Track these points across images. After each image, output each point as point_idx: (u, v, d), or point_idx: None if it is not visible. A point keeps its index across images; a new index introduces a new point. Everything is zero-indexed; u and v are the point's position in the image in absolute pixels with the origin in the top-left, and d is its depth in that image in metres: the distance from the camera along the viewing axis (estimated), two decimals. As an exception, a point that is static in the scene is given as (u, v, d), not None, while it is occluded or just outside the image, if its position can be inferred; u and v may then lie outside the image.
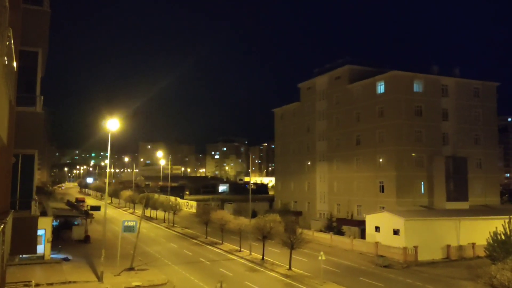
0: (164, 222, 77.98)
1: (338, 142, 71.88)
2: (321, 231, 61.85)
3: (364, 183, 64.89)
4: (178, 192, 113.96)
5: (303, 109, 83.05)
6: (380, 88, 63.70)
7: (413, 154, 60.13)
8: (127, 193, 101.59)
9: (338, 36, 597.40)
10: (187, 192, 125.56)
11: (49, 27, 16.74)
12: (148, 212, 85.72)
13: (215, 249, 53.96)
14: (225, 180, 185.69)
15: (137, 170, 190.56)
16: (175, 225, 74.32)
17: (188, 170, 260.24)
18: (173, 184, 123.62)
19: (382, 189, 61.54)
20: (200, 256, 49.06)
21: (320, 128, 77.34)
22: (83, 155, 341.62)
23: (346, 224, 61.37)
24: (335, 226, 61.61)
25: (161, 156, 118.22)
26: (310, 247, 47.24)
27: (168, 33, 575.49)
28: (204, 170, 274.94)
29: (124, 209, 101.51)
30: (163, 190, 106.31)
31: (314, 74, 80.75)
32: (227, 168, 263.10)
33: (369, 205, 61.94)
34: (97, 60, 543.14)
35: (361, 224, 56.70)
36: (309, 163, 79.94)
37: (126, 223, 41.42)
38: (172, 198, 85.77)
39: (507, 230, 37.65)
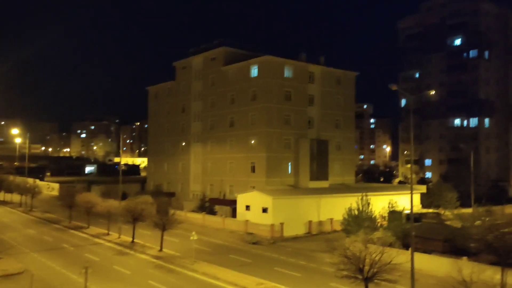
0: (21, 206, 70.98)
1: (213, 124, 72.47)
2: (194, 211, 62.22)
3: (237, 163, 66.71)
4: (37, 173, 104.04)
5: (178, 89, 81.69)
6: (254, 71, 65.55)
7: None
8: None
9: (214, 17, 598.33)
10: (48, 174, 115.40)
11: None
12: (1, 196, 77.19)
13: (80, 233, 50.85)
14: (92, 160, 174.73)
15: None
16: (33, 209, 68.13)
17: (50, 149, 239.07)
18: (32, 165, 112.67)
19: (253, 170, 63.94)
20: (63, 241, 45.80)
21: (195, 108, 77.00)
22: None
23: (218, 203, 62.64)
24: (208, 206, 62.46)
25: (17, 134, 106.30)
26: (182, 228, 47.23)
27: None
28: (68, 150, 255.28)
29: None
30: (19, 171, 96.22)
31: (190, 54, 79.68)
32: (95, 148, 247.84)
33: (241, 185, 63.95)
34: None
35: (233, 203, 58.36)
36: (183, 143, 79.32)
37: (-28, 209, 36.47)
38: (30, 180, 78.24)
39: (360, 206, 42.23)
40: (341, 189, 62.90)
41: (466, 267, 21.93)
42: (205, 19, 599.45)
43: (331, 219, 52.91)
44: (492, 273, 28.38)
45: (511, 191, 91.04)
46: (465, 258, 31.66)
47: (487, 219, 36.27)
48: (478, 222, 38.27)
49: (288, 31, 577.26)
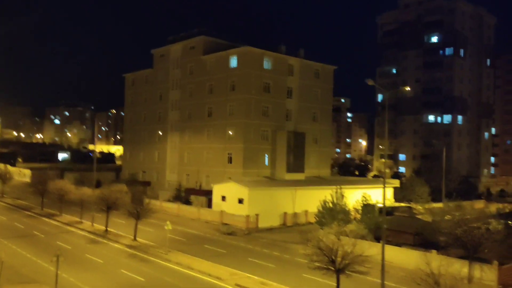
0: (-9, 192, 69.15)
1: (191, 113, 71.90)
2: (169, 201, 61.93)
3: (214, 154, 66.50)
4: (8, 159, 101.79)
5: (156, 77, 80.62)
6: (233, 62, 65.21)
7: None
8: None
9: (194, 6, 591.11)
10: (20, 160, 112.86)
11: None
12: (-31, 181, 74.95)
13: (52, 221, 50.01)
14: (66, 147, 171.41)
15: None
16: (4, 195, 66.65)
17: (22, 135, 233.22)
18: (3, 150, 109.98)
19: (230, 160, 63.88)
20: (34, 229, 44.95)
21: (173, 97, 76.21)
22: None
23: (194, 194, 62.47)
24: (183, 196, 62.24)
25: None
26: (157, 217, 46.96)
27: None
28: (41, 136, 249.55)
29: None
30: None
31: (169, 42, 78.61)
32: (69, 134, 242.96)
33: (217, 175, 63.82)
34: None
35: (208, 194, 58.29)
36: (160, 132, 78.51)
37: None
38: (1, 166, 76.29)
39: (334, 198, 42.77)
40: (317, 181, 63.49)
41: (435, 260, 22.50)
42: (184, 7, 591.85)
43: (306, 211, 53.44)
44: (460, 267, 29.25)
45: (481, 186, 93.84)
46: (434, 251, 32.48)
47: (457, 213, 37.13)
48: (448, 217, 39.19)
49: (268, 23, 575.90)
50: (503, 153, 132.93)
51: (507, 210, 53.08)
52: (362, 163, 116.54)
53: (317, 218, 43.78)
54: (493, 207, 58.77)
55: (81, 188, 54.91)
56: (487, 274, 30.56)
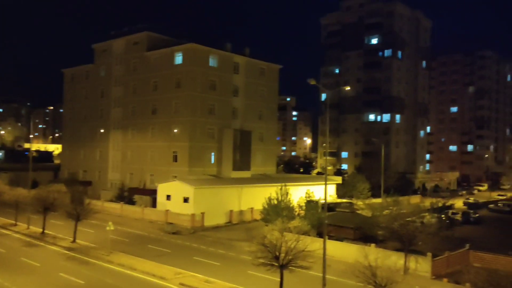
0: None
1: (134, 110, 70.13)
2: (111, 201, 60.17)
3: (158, 152, 65.32)
4: None
5: (97, 73, 77.83)
6: (178, 59, 64.31)
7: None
8: None
9: (139, 2, 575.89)
10: None
11: None
12: None
13: (-17, 224, 46.97)
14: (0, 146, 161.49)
15: None
16: None
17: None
18: None
19: (175, 159, 63.02)
20: (-37, 233, 42.07)
21: (115, 94, 73.93)
22: None
23: (138, 193, 61.08)
24: (127, 195, 60.67)
25: None
26: (99, 218, 45.51)
27: None
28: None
29: None
30: None
31: (111, 37, 76.16)
32: (3, 132, 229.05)
33: (162, 174, 62.76)
34: None
35: (153, 193, 57.20)
36: (102, 130, 75.90)
37: None
38: None
39: (279, 195, 43.44)
40: (262, 179, 64.13)
41: (373, 253, 23.47)
42: (128, 1, 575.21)
43: (252, 209, 53.87)
44: (396, 259, 30.70)
45: (417, 182, 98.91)
46: (373, 244, 33.87)
47: (394, 208, 38.86)
48: (386, 212, 40.96)
49: (214, 21, 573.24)
50: (438, 151, 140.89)
51: (440, 205, 56.27)
52: (307, 161, 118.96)
53: (262, 215, 44.28)
54: (428, 202, 62.07)
55: (16, 189, 52.19)
56: (421, 265, 32.30)
